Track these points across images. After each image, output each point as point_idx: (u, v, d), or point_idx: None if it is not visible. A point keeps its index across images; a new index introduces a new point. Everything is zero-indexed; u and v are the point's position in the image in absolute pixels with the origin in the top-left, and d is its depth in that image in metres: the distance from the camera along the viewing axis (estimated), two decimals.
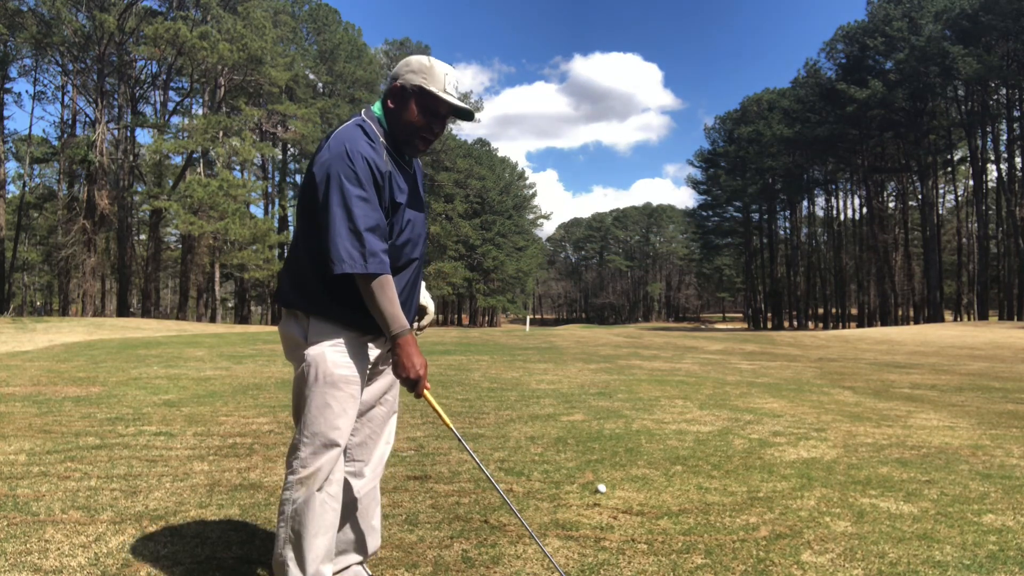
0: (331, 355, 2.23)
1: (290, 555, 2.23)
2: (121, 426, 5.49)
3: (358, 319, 2.26)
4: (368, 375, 2.41)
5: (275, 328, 35.19)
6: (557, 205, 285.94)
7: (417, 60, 2.31)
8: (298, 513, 2.22)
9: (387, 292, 2.18)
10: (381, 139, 2.28)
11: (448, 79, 2.27)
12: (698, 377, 9.91)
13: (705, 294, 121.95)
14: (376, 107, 2.36)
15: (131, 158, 43.61)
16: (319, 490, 2.23)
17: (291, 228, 57.94)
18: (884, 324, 56.86)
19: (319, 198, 2.18)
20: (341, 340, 2.26)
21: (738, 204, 79.08)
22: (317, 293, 2.25)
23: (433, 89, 2.25)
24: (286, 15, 52.83)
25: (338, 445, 2.25)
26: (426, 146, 2.34)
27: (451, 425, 2.38)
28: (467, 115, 2.33)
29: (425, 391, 2.26)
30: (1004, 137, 53.42)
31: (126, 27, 39.84)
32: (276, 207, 55.17)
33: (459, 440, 2.38)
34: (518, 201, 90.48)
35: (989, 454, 4.82)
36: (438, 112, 2.29)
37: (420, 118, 2.28)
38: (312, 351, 2.24)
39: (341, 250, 2.12)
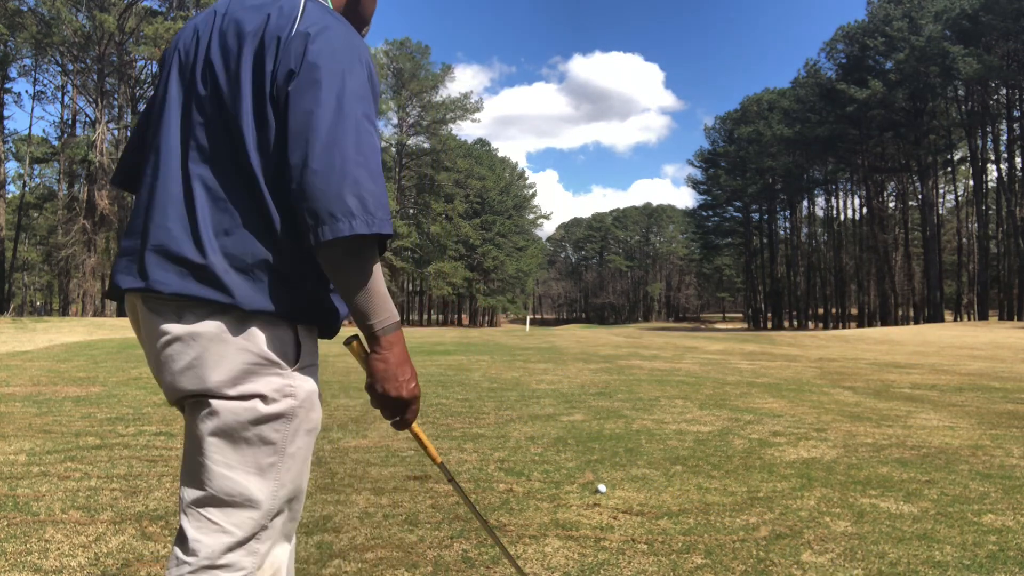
0: (316, 389, 1.38)
1: None
2: (121, 426, 5.49)
3: (325, 318, 1.40)
4: None
5: None
6: (557, 205, 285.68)
7: None
8: None
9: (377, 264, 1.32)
10: None
11: None
12: (698, 377, 9.91)
13: (705, 294, 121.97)
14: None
15: None
16: None
17: None
18: (884, 324, 56.85)
19: (312, 101, 1.24)
20: (316, 360, 1.40)
21: (738, 204, 79.15)
22: (296, 278, 1.31)
23: None
24: None
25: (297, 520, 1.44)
26: None
27: (439, 460, 1.55)
28: None
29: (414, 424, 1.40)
30: (1004, 137, 53.45)
31: (126, 27, 39.90)
32: None
33: (449, 479, 1.62)
34: (518, 201, 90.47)
35: (989, 454, 4.82)
36: None
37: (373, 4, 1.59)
38: (303, 384, 1.33)
39: (367, 198, 1.22)
